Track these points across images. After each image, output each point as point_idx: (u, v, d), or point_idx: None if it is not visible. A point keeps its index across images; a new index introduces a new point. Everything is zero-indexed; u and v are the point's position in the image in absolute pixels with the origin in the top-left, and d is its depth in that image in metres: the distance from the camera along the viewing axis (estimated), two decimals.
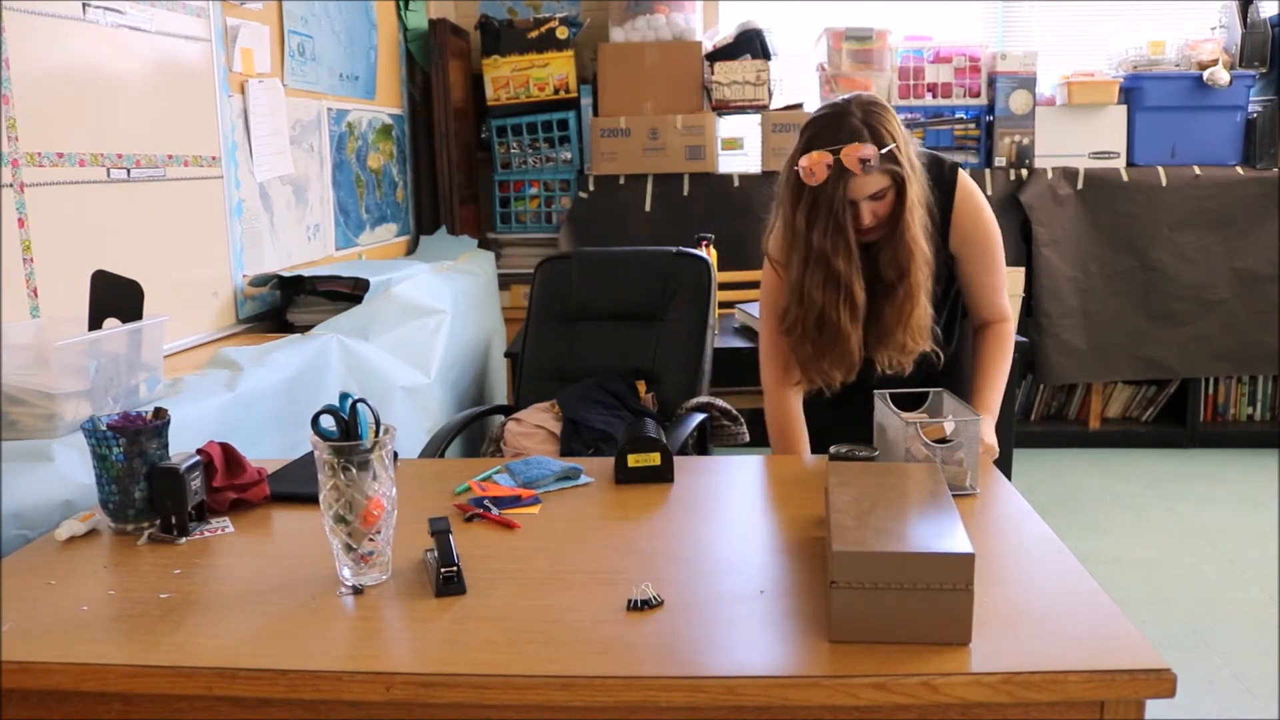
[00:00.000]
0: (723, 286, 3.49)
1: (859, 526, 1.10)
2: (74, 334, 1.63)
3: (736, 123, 4.26)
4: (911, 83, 4.10)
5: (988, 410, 1.82)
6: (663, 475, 1.58)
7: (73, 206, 1.93)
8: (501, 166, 4.22)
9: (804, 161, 1.64)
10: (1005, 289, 1.94)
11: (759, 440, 4.02)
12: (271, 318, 2.69)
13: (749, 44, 4.05)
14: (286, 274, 2.70)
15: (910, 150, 1.71)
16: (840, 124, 1.64)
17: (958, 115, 4.11)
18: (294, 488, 1.56)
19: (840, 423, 1.82)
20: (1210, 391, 4.35)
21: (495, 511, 1.45)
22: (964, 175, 1.86)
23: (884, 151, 1.62)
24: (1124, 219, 4.07)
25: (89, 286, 1.74)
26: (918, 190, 1.71)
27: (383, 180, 3.66)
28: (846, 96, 1.71)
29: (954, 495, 1.22)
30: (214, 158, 2.43)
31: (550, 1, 4.37)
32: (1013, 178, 4.06)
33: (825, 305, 1.71)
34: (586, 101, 4.15)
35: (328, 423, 1.22)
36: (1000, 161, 4.06)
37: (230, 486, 1.50)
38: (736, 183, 4.05)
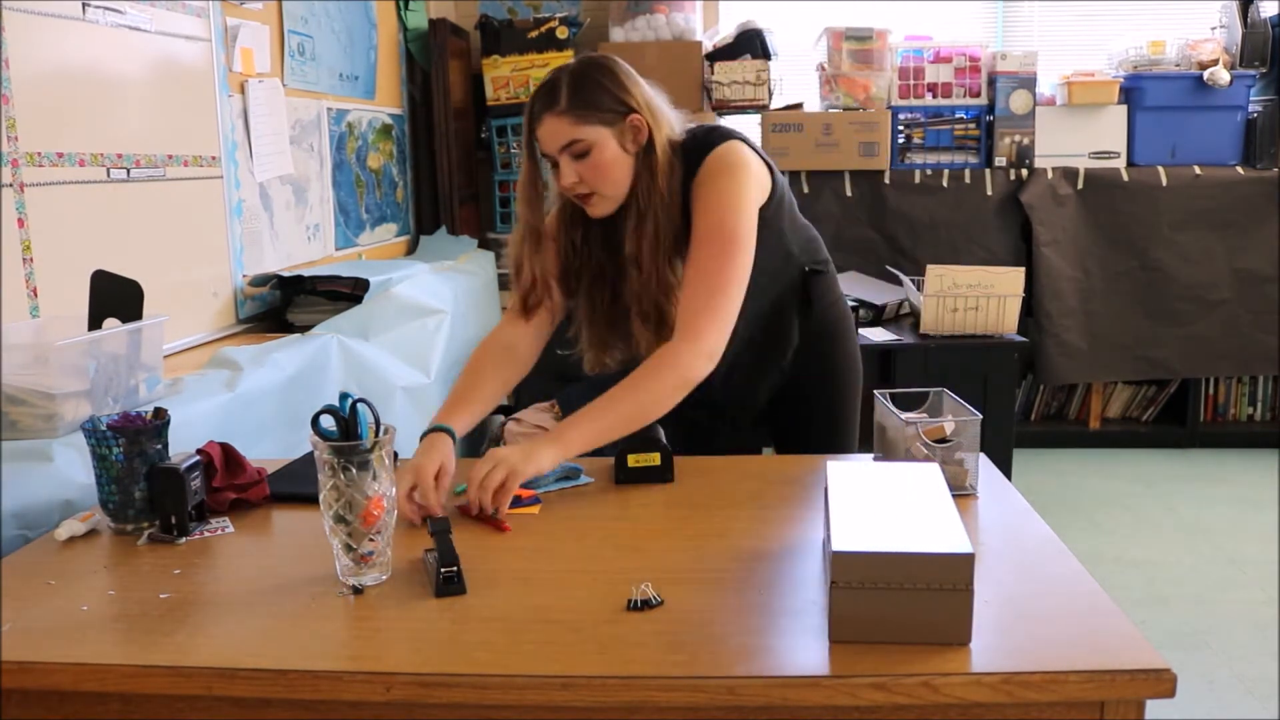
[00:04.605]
0: None
1: (859, 526, 1.10)
2: (74, 334, 1.63)
3: (736, 122, 4.26)
4: (911, 83, 4.10)
5: (565, 426, 1.47)
6: (663, 475, 1.58)
7: (73, 206, 1.93)
8: (501, 166, 4.22)
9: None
10: (714, 307, 1.49)
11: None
12: (271, 318, 2.69)
13: (749, 44, 4.05)
14: (286, 274, 2.70)
15: (654, 115, 1.63)
16: (544, 85, 1.58)
17: (958, 115, 4.11)
18: (294, 488, 1.55)
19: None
20: (1210, 391, 4.35)
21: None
22: (730, 145, 1.59)
23: (574, 106, 1.55)
24: (1124, 219, 4.07)
25: (89, 286, 1.74)
26: (661, 160, 1.60)
27: (383, 180, 3.66)
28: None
29: (954, 495, 1.22)
30: (214, 158, 2.43)
31: (550, 1, 4.37)
32: (1013, 178, 4.06)
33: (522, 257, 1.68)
34: None
35: (328, 423, 1.22)
36: (1000, 161, 4.07)
37: (230, 486, 1.50)
38: None
